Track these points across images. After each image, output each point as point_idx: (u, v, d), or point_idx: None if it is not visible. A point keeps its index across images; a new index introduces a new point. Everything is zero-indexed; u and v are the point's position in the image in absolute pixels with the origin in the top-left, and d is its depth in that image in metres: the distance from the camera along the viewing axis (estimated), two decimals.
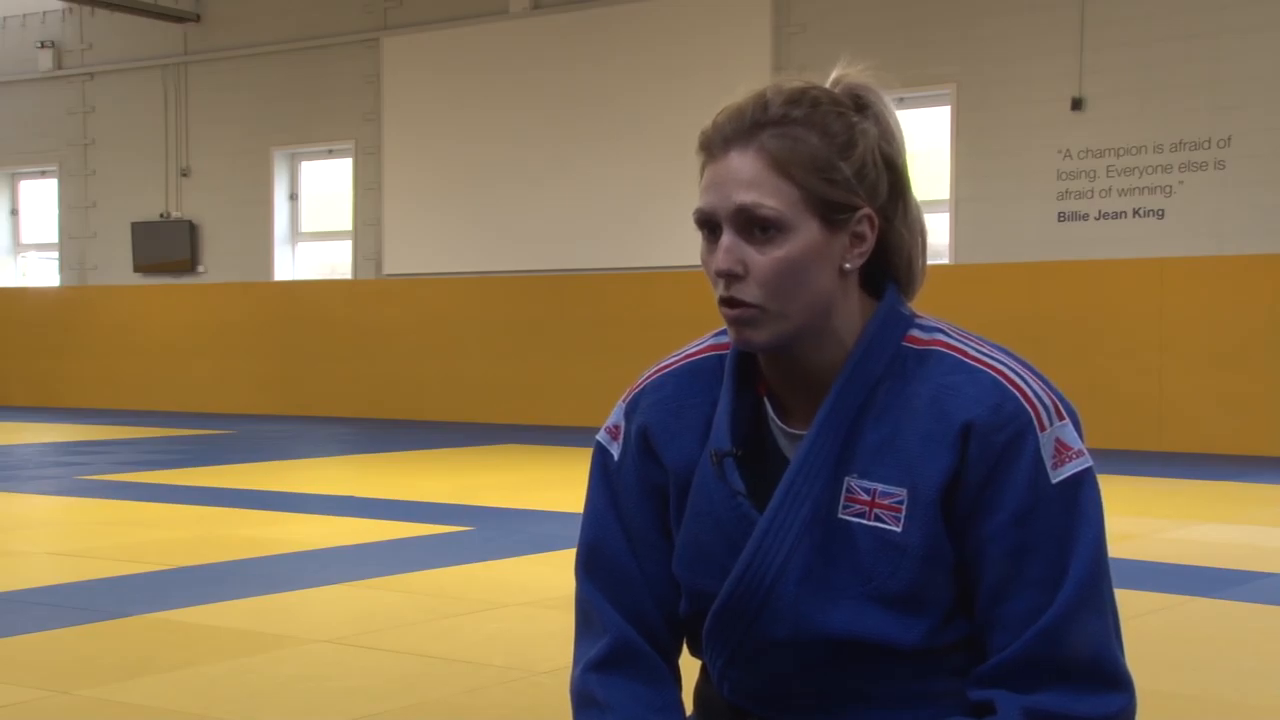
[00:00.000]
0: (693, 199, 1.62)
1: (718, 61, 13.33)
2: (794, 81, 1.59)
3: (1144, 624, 4.55)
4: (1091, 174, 11.74)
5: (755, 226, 1.54)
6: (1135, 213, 11.59)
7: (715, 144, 1.58)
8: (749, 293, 1.55)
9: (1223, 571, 5.64)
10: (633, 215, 13.81)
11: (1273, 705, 3.74)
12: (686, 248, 13.32)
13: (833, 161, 1.55)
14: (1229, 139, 11.20)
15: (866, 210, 1.58)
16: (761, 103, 1.57)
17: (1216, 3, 11.28)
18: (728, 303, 1.57)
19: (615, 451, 1.73)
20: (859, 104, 1.60)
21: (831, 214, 1.56)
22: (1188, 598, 5.07)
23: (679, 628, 1.72)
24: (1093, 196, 11.75)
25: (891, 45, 12.16)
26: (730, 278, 1.55)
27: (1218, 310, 11.18)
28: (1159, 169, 11.47)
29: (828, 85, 1.61)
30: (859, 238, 1.58)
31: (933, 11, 12.35)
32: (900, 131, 1.62)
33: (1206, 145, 11.29)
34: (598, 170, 14.05)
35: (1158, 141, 11.47)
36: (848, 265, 1.58)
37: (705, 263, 1.59)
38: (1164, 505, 7.86)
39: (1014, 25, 12.04)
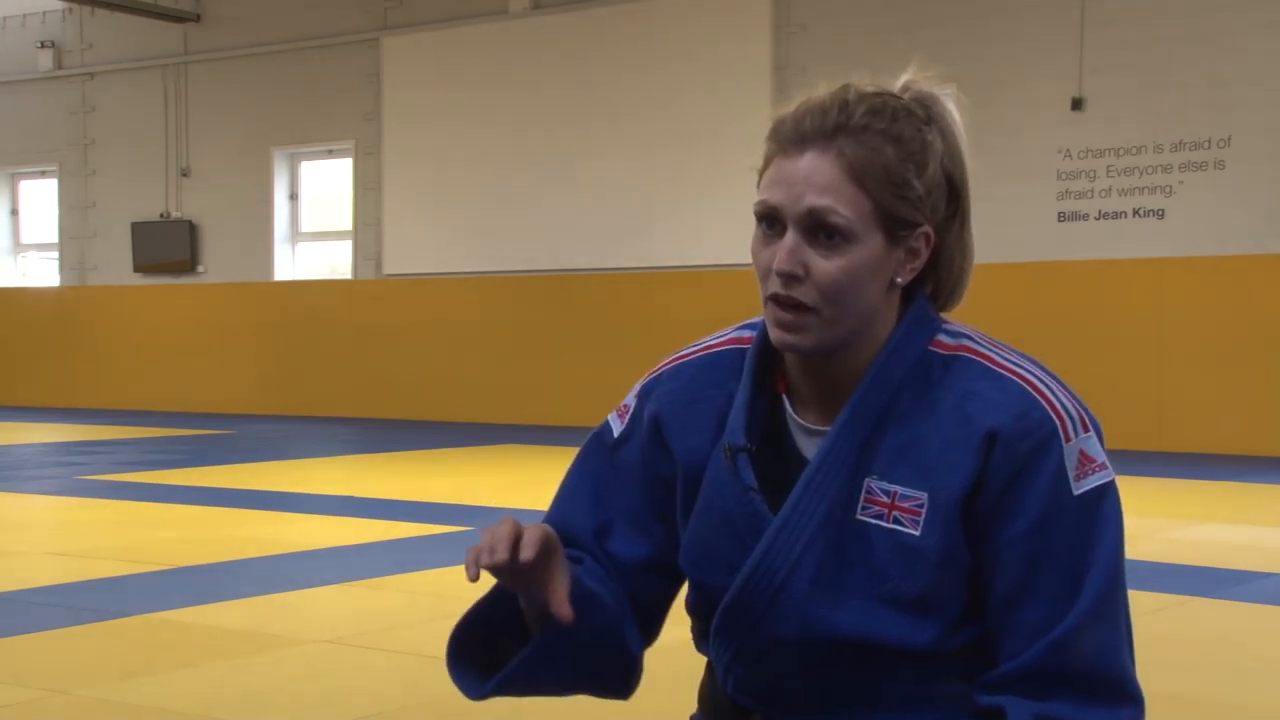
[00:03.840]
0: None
1: (718, 61, 13.33)
2: (869, 86, 1.58)
3: (1144, 624, 4.52)
4: (1091, 174, 11.74)
5: (822, 231, 1.53)
6: (1135, 213, 11.59)
7: (790, 139, 1.55)
8: (806, 295, 1.54)
9: (1223, 571, 5.64)
10: (633, 215, 13.79)
11: (1273, 705, 3.74)
12: (687, 248, 13.32)
13: (907, 178, 1.54)
14: (1229, 139, 11.20)
15: (926, 228, 1.57)
16: (844, 106, 1.55)
17: (1216, 3, 11.28)
18: (781, 302, 1.55)
19: (616, 428, 1.72)
20: (928, 116, 1.58)
21: (896, 228, 1.55)
22: (1188, 598, 5.07)
23: (656, 615, 1.71)
24: (1093, 196, 11.74)
25: (891, 45, 12.15)
26: (789, 279, 1.54)
27: (1218, 310, 11.17)
28: (1159, 169, 11.47)
29: (897, 90, 1.59)
30: (914, 253, 1.58)
31: (933, 11, 12.35)
32: (964, 147, 1.61)
33: (1206, 145, 11.28)
34: (598, 170, 14.04)
35: (1158, 141, 11.47)
36: (899, 279, 1.58)
37: (757, 254, 1.58)
38: (1164, 505, 7.86)
39: (1014, 25, 12.04)
